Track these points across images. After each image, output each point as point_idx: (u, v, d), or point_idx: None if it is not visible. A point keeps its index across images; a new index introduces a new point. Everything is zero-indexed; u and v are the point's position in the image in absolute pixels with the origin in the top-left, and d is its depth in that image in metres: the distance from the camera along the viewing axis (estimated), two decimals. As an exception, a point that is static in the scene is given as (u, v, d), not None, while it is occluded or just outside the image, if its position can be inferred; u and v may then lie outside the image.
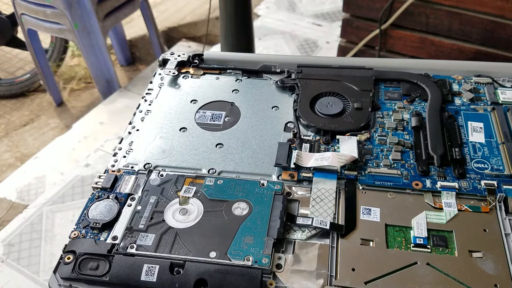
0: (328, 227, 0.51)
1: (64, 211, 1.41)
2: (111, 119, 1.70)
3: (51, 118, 1.85)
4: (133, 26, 2.15)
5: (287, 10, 2.05)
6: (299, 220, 0.52)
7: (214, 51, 0.79)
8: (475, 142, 0.61)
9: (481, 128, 0.63)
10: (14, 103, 1.94)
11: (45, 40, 1.98)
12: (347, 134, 0.62)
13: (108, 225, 0.53)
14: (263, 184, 0.56)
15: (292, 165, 0.58)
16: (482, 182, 0.55)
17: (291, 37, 1.90)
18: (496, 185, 0.55)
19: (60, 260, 0.50)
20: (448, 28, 1.37)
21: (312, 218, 0.52)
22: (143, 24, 1.91)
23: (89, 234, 0.52)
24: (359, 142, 0.61)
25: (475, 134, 0.62)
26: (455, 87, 0.69)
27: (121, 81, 1.88)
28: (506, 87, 0.69)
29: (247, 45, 1.60)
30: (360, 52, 1.57)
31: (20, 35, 1.83)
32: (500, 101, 0.66)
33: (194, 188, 0.56)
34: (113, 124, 1.68)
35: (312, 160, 0.58)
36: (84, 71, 1.99)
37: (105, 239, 0.52)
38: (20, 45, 1.93)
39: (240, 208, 0.53)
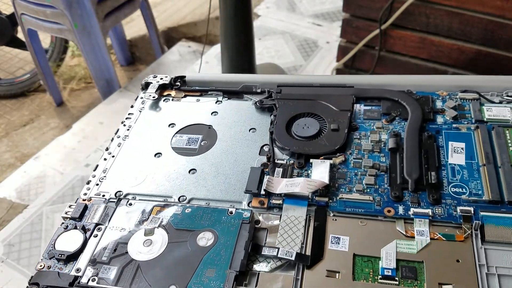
0: (293, 258, 0.50)
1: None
2: (111, 119, 1.71)
3: (51, 118, 1.86)
4: (133, 26, 2.14)
5: (287, 10, 2.02)
6: (265, 251, 0.51)
7: (196, 74, 0.78)
8: (455, 164, 0.59)
9: (462, 149, 0.60)
10: (14, 103, 1.96)
11: (45, 40, 1.99)
12: (321, 158, 0.61)
13: (73, 257, 0.53)
14: (231, 212, 0.55)
15: (263, 192, 0.57)
16: (458, 209, 0.53)
17: (291, 37, 1.88)
18: (472, 212, 0.53)
19: (25, 294, 0.50)
20: (448, 28, 1.35)
21: (278, 249, 0.51)
22: (143, 24, 1.91)
23: (55, 266, 0.52)
24: (333, 165, 0.60)
25: (456, 155, 0.60)
26: (439, 104, 0.67)
27: (121, 81, 1.88)
28: (494, 102, 0.67)
29: (247, 45, 1.59)
30: (360, 52, 1.56)
31: (20, 35, 1.84)
32: (485, 119, 0.64)
33: (161, 217, 0.55)
34: (113, 124, 1.68)
35: (281, 186, 0.57)
36: (84, 71, 2.00)
37: (69, 271, 0.51)
38: (20, 45, 1.95)
39: (205, 239, 0.52)
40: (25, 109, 1.91)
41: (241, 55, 1.57)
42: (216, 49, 1.84)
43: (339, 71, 1.63)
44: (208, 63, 1.84)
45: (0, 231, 1.37)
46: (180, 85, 0.77)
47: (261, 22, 1.99)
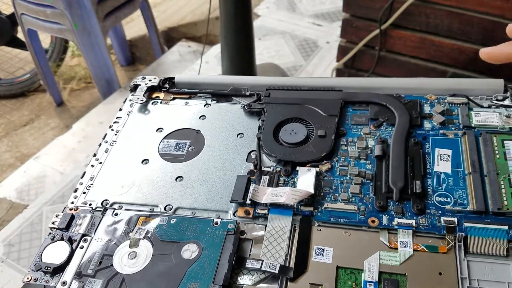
0: (277, 271, 0.50)
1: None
2: (111, 119, 1.72)
3: (51, 118, 1.88)
4: (133, 26, 2.15)
5: (287, 10, 2.02)
6: (249, 263, 0.51)
7: (185, 75, 0.77)
8: (440, 172, 0.58)
9: (448, 156, 0.60)
10: (14, 103, 1.98)
11: (45, 40, 2.01)
12: (307, 165, 0.61)
13: (60, 269, 0.53)
14: (216, 223, 0.55)
15: (248, 201, 0.57)
16: (442, 219, 0.53)
17: (291, 37, 1.88)
18: (456, 222, 0.52)
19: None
20: (448, 28, 1.34)
21: (262, 261, 0.51)
22: (143, 24, 1.91)
23: (41, 279, 0.53)
24: (319, 173, 0.60)
25: (442, 163, 0.59)
26: (427, 108, 0.66)
27: (121, 81, 1.89)
28: (483, 106, 0.66)
29: (247, 45, 1.59)
30: (360, 52, 1.55)
31: (20, 35, 1.86)
32: (472, 125, 0.63)
33: (146, 228, 0.55)
34: (113, 124, 1.69)
35: (267, 195, 0.57)
36: (84, 71, 2.01)
37: (56, 284, 0.52)
38: (20, 45, 1.96)
39: (189, 251, 0.53)
40: (25, 109, 1.93)
41: (241, 55, 1.58)
42: (216, 49, 1.84)
43: (339, 71, 1.63)
44: (208, 63, 1.84)
45: (0, 231, 1.38)
46: (168, 87, 0.76)
47: (261, 22, 1.98)
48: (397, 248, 0.52)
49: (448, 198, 0.55)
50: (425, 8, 1.33)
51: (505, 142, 0.60)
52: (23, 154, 1.72)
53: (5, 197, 1.49)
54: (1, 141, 1.79)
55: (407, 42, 1.43)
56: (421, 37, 1.40)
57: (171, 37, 2.05)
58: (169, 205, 0.59)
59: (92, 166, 0.66)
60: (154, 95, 0.76)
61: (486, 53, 0.51)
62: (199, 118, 0.71)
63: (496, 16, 1.22)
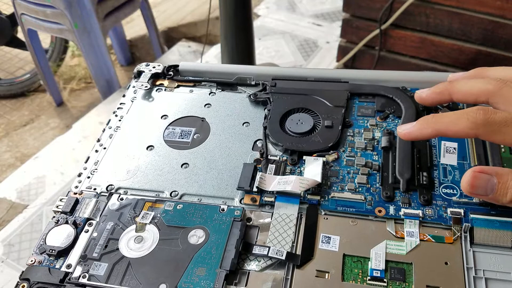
0: (284, 257, 0.50)
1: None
2: (112, 119, 1.72)
3: (51, 118, 1.87)
4: (133, 26, 2.15)
5: (287, 10, 2.03)
6: (256, 250, 0.51)
7: (189, 63, 0.77)
8: (447, 165, 0.58)
9: (454, 148, 0.60)
10: (14, 103, 1.97)
11: (45, 40, 2.00)
12: (314, 155, 0.61)
13: (64, 252, 0.53)
14: (223, 210, 0.55)
15: (255, 189, 0.57)
16: (449, 210, 0.53)
17: (291, 37, 1.88)
18: (463, 214, 0.53)
19: (16, 288, 0.50)
20: (448, 28, 1.35)
21: (269, 248, 0.51)
22: (143, 24, 1.91)
23: (46, 261, 0.52)
24: (326, 163, 0.60)
25: (448, 155, 0.60)
26: (433, 102, 0.67)
27: (121, 81, 1.88)
28: (488, 102, 0.66)
29: (247, 45, 1.59)
30: (360, 52, 1.56)
31: (20, 35, 1.85)
32: (478, 119, 0.63)
33: (153, 213, 0.55)
34: (113, 124, 1.69)
35: (274, 183, 0.57)
36: (84, 71, 2.00)
37: (60, 267, 0.51)
38: (20, 45, 1.96)
39: (196, 236, 0.52)
40: (25, 109, 1.92)
41: (241, 55, 1.58)
42: (216, 49, 1.84)
43: (338, 71, 1.63)
44: (208, 63, 1.84)
45: (0, 231, 1.37)
46: (173, 75, 0.76)
47: (261, 22, 1.99)
48: (403, 238, 0.52)
49: (454, 190, 0.56)
50: (425, 8, 1.34)
51: (511, 136, 0.60)
52: (23, 154, 1.71)
53: (5, 197, 1.48)
54: (1, 141, 1.78)
55: (407, 42, 1.44)
56: (421, 37, 1.41)
57: (171, 37, 2.05)
58: (175, 191, 0.59)
59: (96, 151, 0.65)
60: (158, 82, 0.76)
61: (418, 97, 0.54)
62: (204, 106, 0.71)
63: (496, 16, 1.23)
